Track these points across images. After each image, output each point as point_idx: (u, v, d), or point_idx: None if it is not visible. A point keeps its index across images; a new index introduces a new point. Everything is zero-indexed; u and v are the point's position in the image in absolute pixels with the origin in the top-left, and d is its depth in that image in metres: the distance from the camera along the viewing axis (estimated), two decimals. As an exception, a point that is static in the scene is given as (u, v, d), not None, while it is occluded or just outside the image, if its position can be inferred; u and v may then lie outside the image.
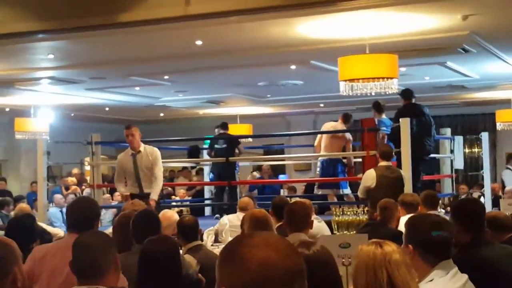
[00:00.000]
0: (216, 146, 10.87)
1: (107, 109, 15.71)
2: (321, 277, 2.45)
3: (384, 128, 8.81)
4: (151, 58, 9.75)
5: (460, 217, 3.77)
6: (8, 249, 2.24)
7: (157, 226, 4.32)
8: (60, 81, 11.41)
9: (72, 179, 14.13)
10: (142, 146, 7.74)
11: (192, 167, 14.65)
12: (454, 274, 2.98)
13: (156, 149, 7.85)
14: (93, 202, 4.16)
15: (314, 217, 6.92)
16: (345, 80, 7.78)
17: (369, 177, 7.44)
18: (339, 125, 9.85)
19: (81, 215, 3.70)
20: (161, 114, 17.28)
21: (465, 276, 3.02)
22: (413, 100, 9.01)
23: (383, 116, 9.36)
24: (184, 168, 14.90)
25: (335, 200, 9.56)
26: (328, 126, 10.01)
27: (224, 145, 10.71)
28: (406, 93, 8.76)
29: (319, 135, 9.93)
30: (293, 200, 6.81)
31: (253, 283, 1.42)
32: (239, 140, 11.34)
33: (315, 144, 9.99)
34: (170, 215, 5.70)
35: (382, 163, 7.48)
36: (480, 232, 3.76)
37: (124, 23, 7.20)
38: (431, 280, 2.93)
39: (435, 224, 3.03)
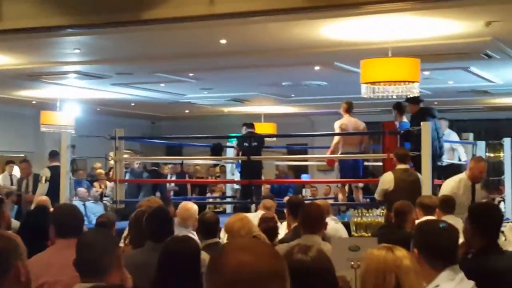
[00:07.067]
0: (245, 144, 10.87)
1: (132, 104, 15.87)
2: (318, 282, 2.50)
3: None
4: (176, 55, 9.85)
5: (475, 222, 3.75)
6: (10, 243, 2.27)
7: (170, 224, 4.39)
8: (86, 75, 11.58)
9: (100, 171, 14.29)
10: None
11: (215, 165, 14.75)
12: (460, 280, 2.97)
13: None
14: (77, 208, 4.17)
15: (331, 218, 7.01)
16: (367, 83, 7.81)
17: (387, 180, 7.46)
18: (353, 120, 9.71)
19: (70, 221, 3.74)
20: (186, 111, 17.40)
21: (471, 283, 3.01)
22: (422, 105, 8.99)
23: (404, 118, 9.34)
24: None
25: (360, 197, 9.56)
26: (346, 122, 9.74)
27: (253, 144, 10.72)
28: (416, 99, 8.74)
29: (336, 137, 9.75)
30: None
31: (228, 286, 1.49)
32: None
33: (333, 147, 9.75)
34: (190, 207, 5.74)
35: (400, 166, 7.49)
36: (493, 239, 3.75)
37: (150, 20, 7.32)
38: (437, 286, 2.94)
39: (441, 229, 3.06)
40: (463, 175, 7.18)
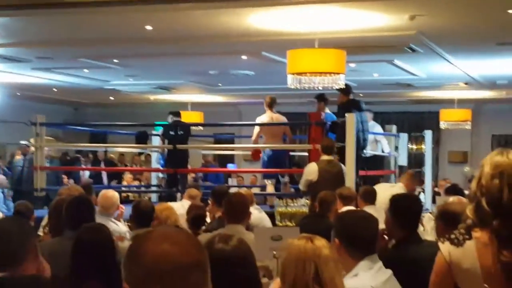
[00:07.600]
0: (171, 133, 10.68)
1: (55, 90, 15.44)
2: (238, 272, 2.48)
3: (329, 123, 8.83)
4: (100, 40, 9.62)
5: (396, 213, 3.80)
6: None
7: (91, 213, 4.30)
8: (4, 59, 11.14)
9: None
10: None
11: (140, 153, 14.53)
12: (379, 269, 3.03)
13: None
14: None
15: (255, 207, 7.02)
16: (293, 73, 7.83)
17: (311, 171, 7.51)
18: (275, 115, 9.64)
19: None
20: (111, 98, 17.09)
21: (389, 271, 3.07)
22: (351, 96, 9.06)
23: (327, 109, 9.40)
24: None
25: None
26: (267, 119, 9.67)
27: (179, 133, 10.55)
28: (347, 89, 8.81)
29: (256, 129, 9.67)
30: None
31: (148, 277, 1.43)
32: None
33: (253, 138, 9.67)
34: (111, 195, 5.66)
35: (324, 157, 7.55)
36: (413, 229, 3.81)
37: (71, 3, 7.11)
38: (356, 275, 2.98)
39: (361, 219, 3.09)
40: (400, 185, 7.58)
